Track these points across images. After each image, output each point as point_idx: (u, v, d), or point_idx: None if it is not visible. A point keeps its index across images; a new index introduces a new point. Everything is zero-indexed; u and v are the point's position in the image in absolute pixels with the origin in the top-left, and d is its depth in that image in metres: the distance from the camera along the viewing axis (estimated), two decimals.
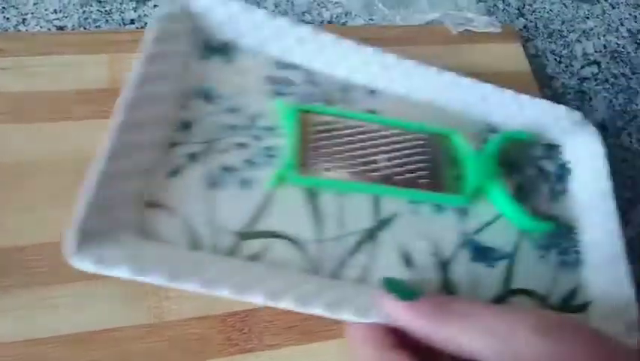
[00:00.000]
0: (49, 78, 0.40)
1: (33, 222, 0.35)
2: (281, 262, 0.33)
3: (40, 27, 0.45)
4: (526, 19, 0.54)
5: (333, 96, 0.41)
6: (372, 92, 0.41)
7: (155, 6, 0.48)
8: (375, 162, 0.32)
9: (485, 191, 0.34)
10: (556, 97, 0.53)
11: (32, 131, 0.38)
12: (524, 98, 0.42)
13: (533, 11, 0.54)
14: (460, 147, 0.34)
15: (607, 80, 0.56)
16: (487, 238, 0.39)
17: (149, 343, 0.34)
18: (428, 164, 0.33)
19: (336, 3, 0.51)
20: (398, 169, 0.32)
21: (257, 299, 0.28)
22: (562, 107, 0.44)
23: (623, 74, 0.56)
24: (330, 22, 0.52)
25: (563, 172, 0.45)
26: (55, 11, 0.46)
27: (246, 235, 0.33)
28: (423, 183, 0.32)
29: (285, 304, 0.29)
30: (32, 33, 0.44)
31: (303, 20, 0.51)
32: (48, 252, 0.35)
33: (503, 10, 0.54)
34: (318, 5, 0.51)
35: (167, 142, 0.34)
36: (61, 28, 0.46)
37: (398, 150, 0.33)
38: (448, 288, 0.36)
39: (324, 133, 0.34)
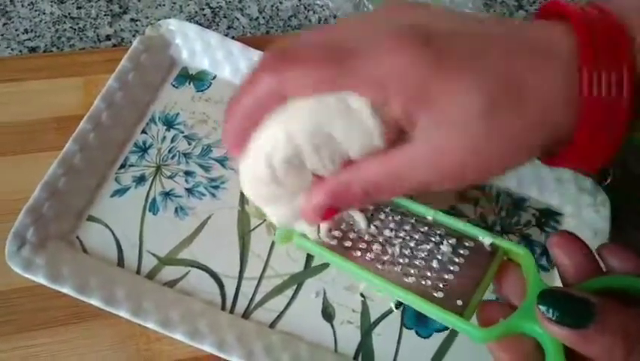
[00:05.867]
0: (21, 106, 0.38)
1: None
2: (194, 292, 0.34)
3: (12, 49, 0.43)
4: (526, 10, 0.51)
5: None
6: None
7: (132, 20, 0.45)
8: (391, 252, 0.26)
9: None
10: None
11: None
12: None
13: (533, 2, 0.52)
14: (528, 272, 0.24)
15: None
16: None
17: None
18: (459, 278, 0.25)
19: (323, 5, 0.49)
20: (412, 269, 0.25)
21: (149, 324, 0.31)
22: (568, 171, 0.38)
23: None
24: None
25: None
26: (26, 31, 0.44)
27: (168, 261, 0.34)
28: (436, 296, 0.24)
29: (178, 335, 0.31)
30: (1, 58, 0.42)
31: (289, 26, 0.48)
32: (22, 297, 0.33)
33: (502, 3, 0.51)
34: (305, 9, 0.49)
35: (119, 163, 0.37)
36: (33, 49, 0.43)
37: (431, 248, 0.26)
38: (365, 353, 0.33)
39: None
